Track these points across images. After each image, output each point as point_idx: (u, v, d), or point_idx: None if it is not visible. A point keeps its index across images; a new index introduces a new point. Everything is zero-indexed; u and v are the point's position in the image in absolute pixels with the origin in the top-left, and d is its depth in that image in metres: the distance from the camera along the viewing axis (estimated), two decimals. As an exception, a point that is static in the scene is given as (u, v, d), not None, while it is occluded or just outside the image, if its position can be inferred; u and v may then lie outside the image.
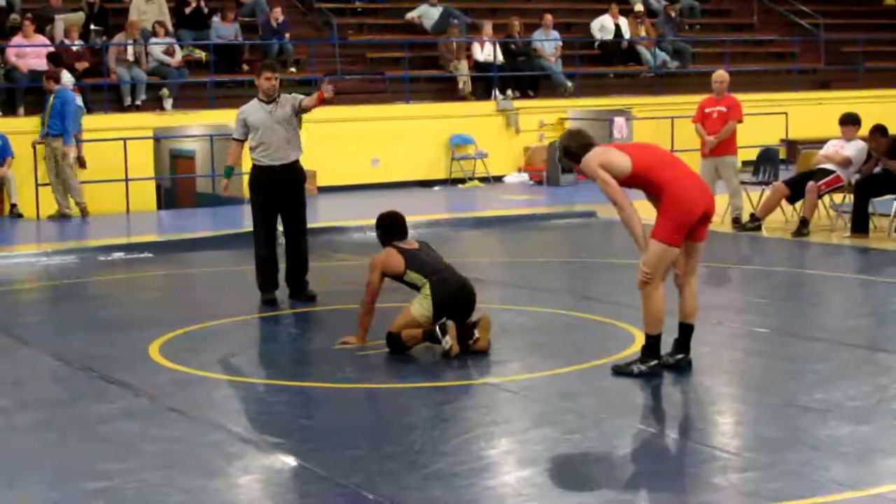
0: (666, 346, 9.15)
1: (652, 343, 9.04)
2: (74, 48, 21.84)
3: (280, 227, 12.72)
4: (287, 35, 24.36)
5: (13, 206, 19.75)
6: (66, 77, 20.38)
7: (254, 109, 12.42)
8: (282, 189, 12.43)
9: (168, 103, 22.47)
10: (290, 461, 7.20)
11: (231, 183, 12.95)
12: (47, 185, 19.60)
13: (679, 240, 8.97)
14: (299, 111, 12.36)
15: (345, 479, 6.80)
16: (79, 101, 20.60)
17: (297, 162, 12.50)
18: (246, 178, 13.10)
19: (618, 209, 8.96)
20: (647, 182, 9.01)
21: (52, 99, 19.17)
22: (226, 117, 21.63)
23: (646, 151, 9.17)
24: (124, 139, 20.34)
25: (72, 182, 19.36)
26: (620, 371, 9.05)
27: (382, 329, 9.95)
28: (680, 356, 9.23)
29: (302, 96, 12.45)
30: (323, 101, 12.14)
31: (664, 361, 9.11)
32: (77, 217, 19.34)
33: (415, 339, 9.86)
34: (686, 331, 9.27)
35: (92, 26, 22.94)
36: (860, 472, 6.87)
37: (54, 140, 19.20)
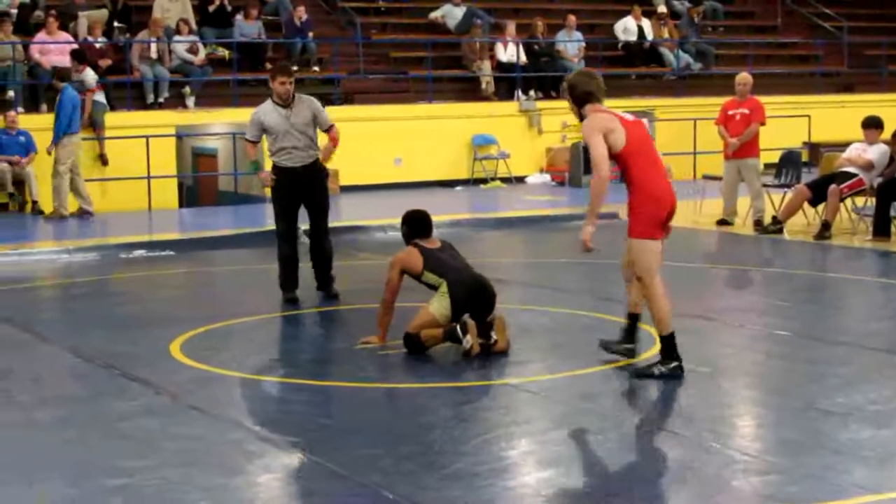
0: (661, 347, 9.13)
1: (668, 343, 9.01)
2: (98, 45, 21.91)
3: (303, 227, 12.72)
4: (310, 34, 24.42)
5: (34, 202, 19.78)
6: (90, 74, 20.43)
7: (269, 111, 12.29)
8: (304, 188, 12.40)
9: (191, 101, 22.54)
10: (310, 460, 7.19)
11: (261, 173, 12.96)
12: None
13: (656, 233, 9.00)
14: (321, 126, 12.37)
15: (364, 478, 6.80)
16: (101, 98, 20.66)
17: (317, 161, 12.46)
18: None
19: (594, 176, 8.93)
20: (624, 165, 9.01)
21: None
22: (248, 116, 21.64)
23: (638, 136, 9.08)
24: (147, 137, 20.40)
25: (56, 182, 19.15)
26: (642, 374, 9.03)
27: (403, 329, 9.94)
28: (626, 346, 9.42)
29: (321, 109, 12.40)
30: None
31: (618, 349, 9.39)
32: (65, 216, 19.20)
33: (434, 339, 9.83)
34: (633, 320, 9.39)
35: (115, 23, 23.02)
36: (882, 476, 6.83)
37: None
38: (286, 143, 12.24)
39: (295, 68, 23.69)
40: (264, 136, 12.50)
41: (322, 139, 12.63)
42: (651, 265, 8.97)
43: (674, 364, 8.98)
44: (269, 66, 23.68)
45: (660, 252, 9.06)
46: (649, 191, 8.94)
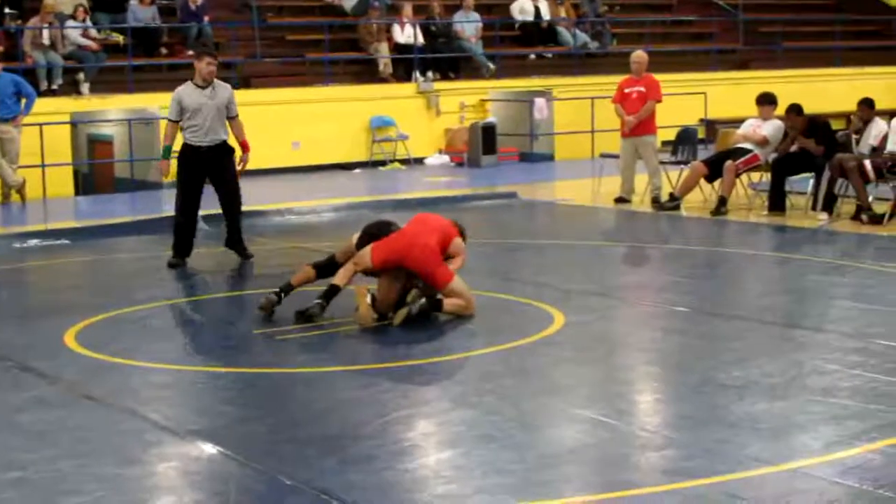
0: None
1: None
2: (-12, 33, 21.59)
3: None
4: (206, 18, 24.17)
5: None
6: None
7: (190, 91, 13.22)
8: (210, 164, 13.30)
9: (85, 88, 22.24)
10: (208, 448, 7.12)
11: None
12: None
13: None
14: (229, 113, 13.40)
15: (263, 464, 6.75)
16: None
17: (225, 141, 13.42)
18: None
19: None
20: None
21: None
22: (144, 101, 21.50)
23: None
24: (40, 124, 20.09)
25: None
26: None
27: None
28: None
29: (234, 97, 13.52)
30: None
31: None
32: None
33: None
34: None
35: (6, 10, 22.66)
36: (777, 447, 6.90)
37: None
38: (198, 120, 13.16)
39: (190, 52, 23.65)
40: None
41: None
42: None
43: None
44: (164, 51, 23.56)
45: None
46: None
